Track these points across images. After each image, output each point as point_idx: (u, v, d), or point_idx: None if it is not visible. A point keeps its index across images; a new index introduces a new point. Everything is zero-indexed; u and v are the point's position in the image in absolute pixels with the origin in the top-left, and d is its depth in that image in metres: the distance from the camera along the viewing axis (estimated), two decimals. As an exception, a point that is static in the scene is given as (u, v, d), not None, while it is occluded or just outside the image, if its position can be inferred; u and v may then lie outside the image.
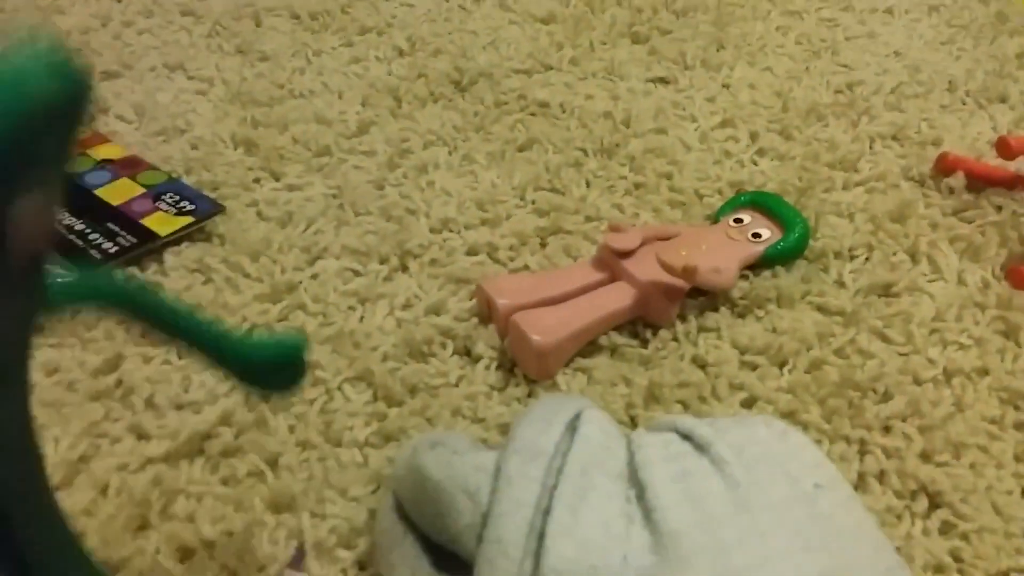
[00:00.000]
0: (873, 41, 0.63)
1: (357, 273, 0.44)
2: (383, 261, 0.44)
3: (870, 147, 0.53)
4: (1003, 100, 0.57)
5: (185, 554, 0.32)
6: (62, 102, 0.16)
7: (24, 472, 0.23)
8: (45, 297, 0.21)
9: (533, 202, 0.48)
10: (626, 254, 0.41)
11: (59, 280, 0.21)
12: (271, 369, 0.26)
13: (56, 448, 0.34)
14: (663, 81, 0.59)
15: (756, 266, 0.43)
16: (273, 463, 0.35)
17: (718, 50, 0.62)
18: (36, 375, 0.37)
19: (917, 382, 0.39)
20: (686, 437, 0.27)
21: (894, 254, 0.45)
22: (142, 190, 0.45)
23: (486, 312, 0.41)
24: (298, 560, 0.31)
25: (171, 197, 0.45)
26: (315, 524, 0.33)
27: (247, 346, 0.26)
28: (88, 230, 0.43)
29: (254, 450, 0.35)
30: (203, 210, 0.45)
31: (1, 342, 0.19)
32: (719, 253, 0.42)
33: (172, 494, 0.33)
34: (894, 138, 0.54)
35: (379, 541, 0.30)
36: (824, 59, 0.61)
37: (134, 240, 0.42)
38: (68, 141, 0.17)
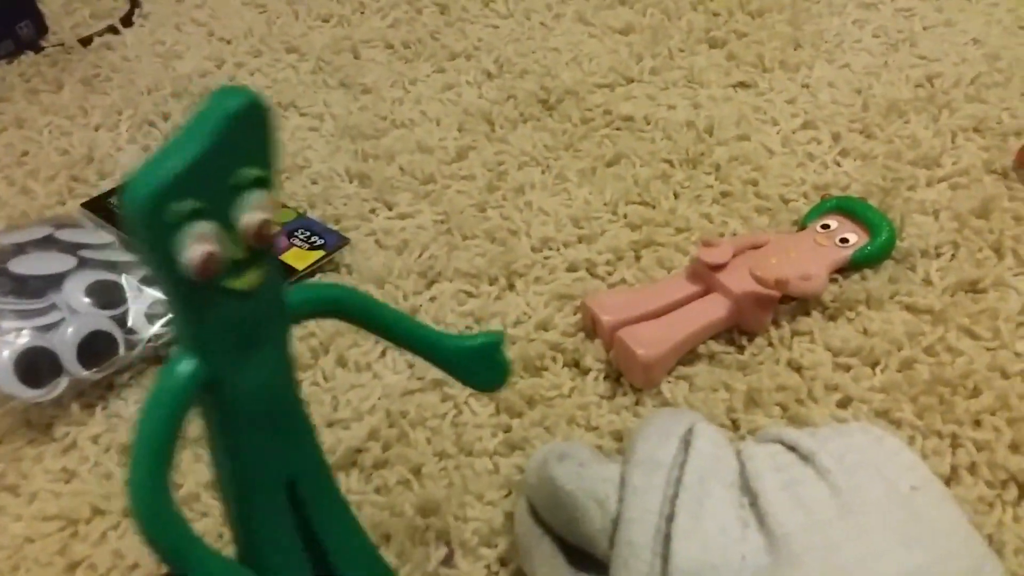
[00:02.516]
0: (951, 29, 0.63)
1: (470, 294, 0.48)
2: (492, 282, 0.49)
3: (952, 141, 0.54)
4: (1088, 82, 0.58)
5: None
6: (254, 113, 0.22)
7: (310, 447, 0.28)
8: (285, 302, 0.25)
9: (625, 216, 0.52)
10: (719, 267, 0.44)
11: (300, 286, 0.27)
12: (475, 362, 0.31)
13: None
14: (743, 86, 0.61)
15: (845, 270, 0.46)
16: (417, 472, 0.40)
17: (795, 49, 0.63)
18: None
19: (1005, 376, 0.41)
20: (791, 448, 0.30)
21: (979, 250, 0.47)
22: (277, 228, 0.51)
23: (591, 327, 0.45)
24: (449, 558, 0.36)
25: (303, 233, 0.50)
26: (458, 526, 0.37)
27: (452, 341, 0.30)
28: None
29: (400, 462, 0.40)
30: (331, 243, 0.50)
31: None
32: (808, 260, 0.45)
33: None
34: (975, 130, 0.55)
35: (519, 543, 0.34)
36: (902, 52, 0.62)
37: (278, 276, 0.48)
38: (267, 146, 0.23)
